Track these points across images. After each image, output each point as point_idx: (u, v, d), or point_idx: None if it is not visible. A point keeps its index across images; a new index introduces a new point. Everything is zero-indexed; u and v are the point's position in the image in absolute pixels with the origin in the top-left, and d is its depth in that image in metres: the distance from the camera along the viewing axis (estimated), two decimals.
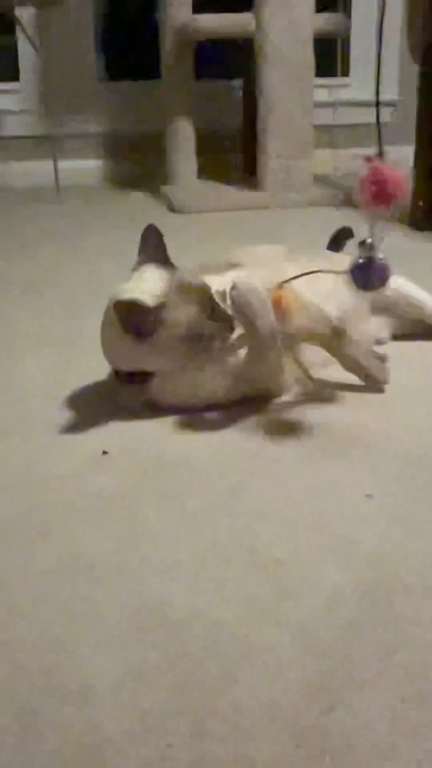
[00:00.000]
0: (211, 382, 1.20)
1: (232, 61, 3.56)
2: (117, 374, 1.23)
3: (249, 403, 1.27)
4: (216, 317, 1.15)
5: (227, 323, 1.15)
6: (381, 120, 4.07)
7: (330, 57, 3.68)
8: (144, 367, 1.20)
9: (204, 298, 1.16)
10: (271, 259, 1.36)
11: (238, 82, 3.54)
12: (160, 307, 1.15)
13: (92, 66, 3.51)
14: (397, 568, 0.86)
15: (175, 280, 1.17)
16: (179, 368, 1.18)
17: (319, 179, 3.32)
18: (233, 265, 1.30)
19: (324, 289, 1.21)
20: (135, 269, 1.23)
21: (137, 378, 1.20)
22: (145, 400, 1.21)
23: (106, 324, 1.20)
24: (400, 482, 1.03)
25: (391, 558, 0.88)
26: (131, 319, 1.15)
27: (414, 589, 0.83)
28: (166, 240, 1.24)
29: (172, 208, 2.97)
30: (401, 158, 1.20)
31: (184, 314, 1.15)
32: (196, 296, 1.16)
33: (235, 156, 3.59)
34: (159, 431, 1.19)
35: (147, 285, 1.18)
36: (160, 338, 1.16)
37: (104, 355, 1.22)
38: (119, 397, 1.23)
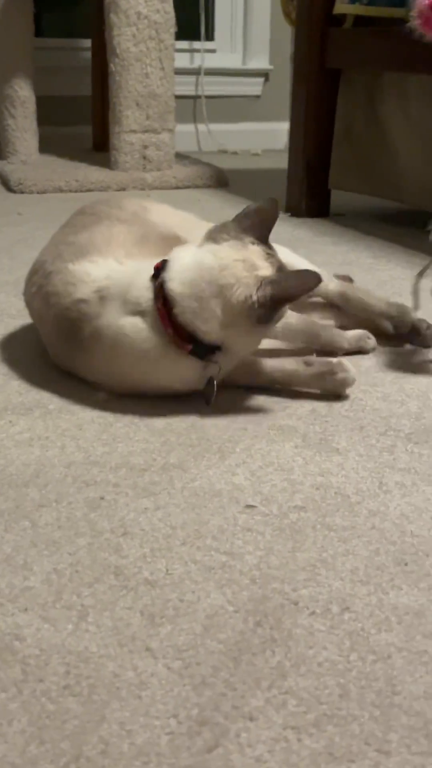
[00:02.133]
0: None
1: (78, 16, 3.56)
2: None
3: (112, 405, 1.28)
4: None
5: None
6: (250, 93, 4.18)
7: (192, 17, 3.76)
8: (232, 347, 1.24)
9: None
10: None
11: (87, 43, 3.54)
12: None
13: None
14: (284, 584, 0.88)
15: (276, 261, 1.24)
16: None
17: (183, 157, 3.37)
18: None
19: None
20: (228, 236, 1.23)
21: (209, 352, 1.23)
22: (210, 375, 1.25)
23: (206, 292, 1.19)
24: (284, 491, 1.06)
25: (278, 573, 0.90)
26: (278, 303, 1.19)
27: (304, 606, 0.85)
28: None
29: (8, 187, 2.93)
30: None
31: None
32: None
33: (83, 128, 3.59)
34: (0, 439, 1.17)
35: (260, 263, 1.22)
36: (272, 324, 1.23)
37: (191, 323, 1.20)
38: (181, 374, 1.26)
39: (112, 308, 1.24)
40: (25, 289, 1.43)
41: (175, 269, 1.22)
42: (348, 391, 1.33)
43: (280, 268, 1.23)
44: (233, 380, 1.31)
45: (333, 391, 1.32)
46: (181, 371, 1.25)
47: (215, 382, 1.25)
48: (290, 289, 1.20)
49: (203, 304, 1.19)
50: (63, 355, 1.36)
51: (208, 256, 1.21)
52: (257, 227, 1.25)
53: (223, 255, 1.20)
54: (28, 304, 1.43)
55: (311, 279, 1.22)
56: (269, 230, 1.27)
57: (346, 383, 1.31)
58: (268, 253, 1.23)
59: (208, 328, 1.20)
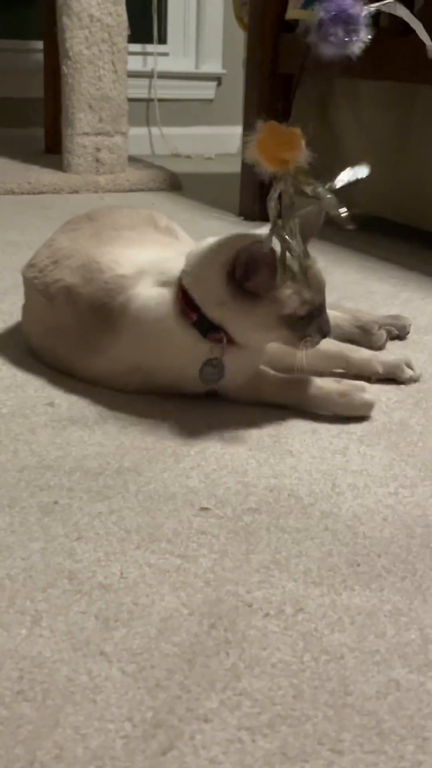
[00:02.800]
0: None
1: (30, 17, 3.54)
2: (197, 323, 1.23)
3: (65, 410, 1.27)
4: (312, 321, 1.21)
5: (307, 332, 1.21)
6: (203, 97, 4.19)
7: (145, 20, 3.76)
8: (228, 328, 1.22)
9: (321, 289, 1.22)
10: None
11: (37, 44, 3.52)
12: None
13: None
14: (238, 587, 0.89)
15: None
16: (256, 348, 1.27)
17: (136, 160, 3.37)
18: None
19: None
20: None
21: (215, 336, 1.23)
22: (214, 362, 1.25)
23: (205, 260, 1.22)
24: (238, 493, 1.07)
25: (232, 575, 0.91)
26: (251, 267, 1.16)
27: (258, 607, 0.86)
28: None
29: None
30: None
31: (297, 295, 1.19)
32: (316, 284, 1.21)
33: (35, 130, 3.57)
34: None
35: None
36: (262, 308, 1.19)
37: (191, 288, 1.22)
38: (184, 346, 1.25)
39: (146, 281, 1.28)
40: (37, 275, 1.41)
41: (200, 244, 1.27)
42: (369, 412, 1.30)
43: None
44: (249, 396, 1.31)
45: (354, 413, 1.28)
46: (188, 346, 1.24)
47: (217, 372, 1.25)
48: (251, 248, 1.16)
49: (202, 271, 1.22)
50: (85, 341, 1.33)
51: (226, 237, 1.23)
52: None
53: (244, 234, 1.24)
54: (45, 288, 1.39)
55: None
56: (311, 234, 1.24)
57: (365, 405, 1.28)
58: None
59: (205, 298, 1.21)
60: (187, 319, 1.23)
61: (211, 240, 1.26)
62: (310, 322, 1.21)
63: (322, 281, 1.23)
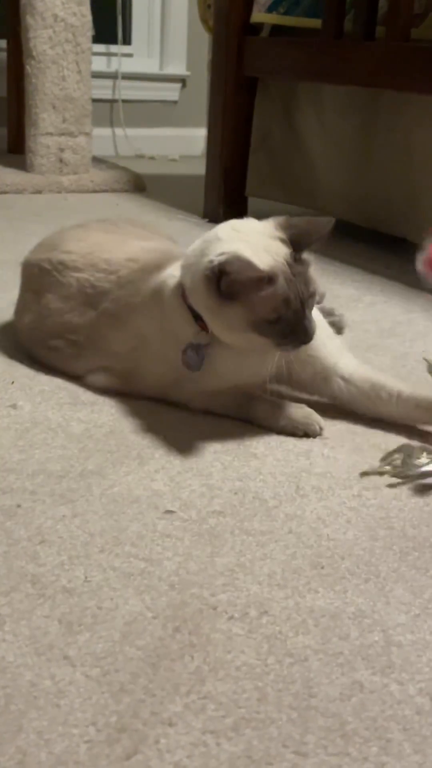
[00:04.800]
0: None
1: None
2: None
3: (28, 412, 1.27)
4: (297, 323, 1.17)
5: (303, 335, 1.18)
6: (167, 98, 4.19)
7: (110, 21, 3.75)
8: (207, 322, 1.23)
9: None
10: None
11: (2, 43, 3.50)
12: (269, 278, 1.16)
13: None
14: (202, 590, 0.89)
15: (288, 255, 1.18)
16: (237, 347, 1.24)
17: (100, 161, 3.36)
18: None
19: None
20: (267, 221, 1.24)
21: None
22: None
23: (197, 252, 1.22)
24: (202, 496, 1.07)
25: (196, 578, 0.91)
26: (230, 277, 1.15)
27: (222, 610, 0.86)
28: None
29: None
30: None
31: (279, 294, 1.16)
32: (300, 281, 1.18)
33: None
34: None
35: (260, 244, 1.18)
36: (233, 309, 1.17)
37: (185, 278, 1.23)
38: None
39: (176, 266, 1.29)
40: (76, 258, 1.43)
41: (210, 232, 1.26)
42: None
43: (286, 272, 1.17)
44: (202, 404, 1.30)
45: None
46: (180, 322, 1.25)
47: (198, 359, 1.25)
48: (228, 251, 1.15)
49: (191, 261, 1.22)
50: (112, 314, 1.36)
51: (227, 229, 1.22)
52: (299, 233, 1.21)
53: (241, 231, 1.22)
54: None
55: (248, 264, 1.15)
56: (311, 241, 1.21)
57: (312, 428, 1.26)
58: (287, 257, 1.18)
59: (190, 288, 1.22)
60: (185, 300, 1.24)
61: (220, 228, 1.25)
62: (284, 328, 1.16)
63: (307, 283, 1.18)
